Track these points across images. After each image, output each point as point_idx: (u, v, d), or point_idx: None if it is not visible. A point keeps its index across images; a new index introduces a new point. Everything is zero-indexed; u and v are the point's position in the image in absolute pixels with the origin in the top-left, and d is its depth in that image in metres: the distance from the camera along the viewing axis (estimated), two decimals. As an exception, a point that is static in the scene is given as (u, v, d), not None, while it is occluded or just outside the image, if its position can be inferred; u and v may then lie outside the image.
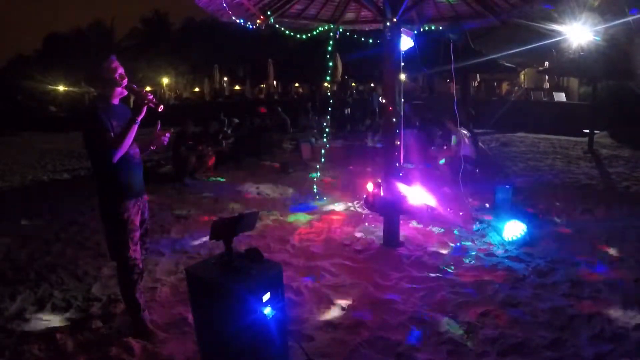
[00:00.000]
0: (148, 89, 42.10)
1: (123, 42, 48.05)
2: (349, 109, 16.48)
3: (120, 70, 3.56)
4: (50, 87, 40.60)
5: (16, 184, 10.97)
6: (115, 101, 3.63)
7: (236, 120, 14.94)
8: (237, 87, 45.50)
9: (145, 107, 3.46)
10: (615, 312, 4.08)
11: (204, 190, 9.08)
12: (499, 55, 16.97)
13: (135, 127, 3.46)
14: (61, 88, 41.30)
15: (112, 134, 3.42)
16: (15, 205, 8.66)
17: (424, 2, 6.74)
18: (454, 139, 8.85)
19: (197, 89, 45.83)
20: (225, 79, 42.01)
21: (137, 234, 3.72)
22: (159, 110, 3.52)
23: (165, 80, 45.42)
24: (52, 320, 4.21)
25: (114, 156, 3.40)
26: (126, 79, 3.58)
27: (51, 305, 4.47)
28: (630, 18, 13.79)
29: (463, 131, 8.94)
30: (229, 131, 13.61)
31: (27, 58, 48.88)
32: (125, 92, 3.61)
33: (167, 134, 3.85)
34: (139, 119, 3.46)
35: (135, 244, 3.68)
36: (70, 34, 48.51)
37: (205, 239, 5.99)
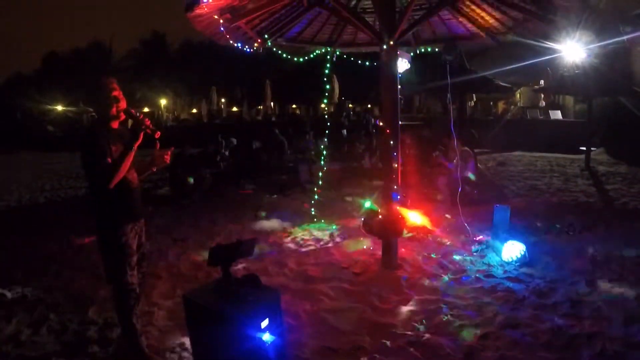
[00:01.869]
0: (146, 110, 42.39)
1: (121, 63, 48.46)
2: (345, 130, 16.51)
3: (116, 92, 3.54)
4: (48, 106, 40.74)
5: (13, 203, 10.96)
6: (115, 125, 3.62)
7: (234, 141, 14.96)
8: (234, 109, 45.70)
9: (142, 133, 3.45)
10: (616, 331, 4.06)
11: (201, 212, 9.06)
12: (493, 71, 17.13)
13: (132, 154, 3.46)
14: (59, 108, 41.45)
15: (109, 159, 3.42)
16: (12, 225, 8.62)
17: (420, 24, 6.80)
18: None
19: (194, 110, 46.00)
20: (223, 100, 42.21)
21: (134, 258, 3.69)
22: (156, 136, 3.52)
23: (163, 102, 45.66)
24: (47, 343, 4.17)
25: (110, 182, 3.39)
26: (123, 102, 3.57)
27: (47, 328, 4.43)
28: (625, 37, 13.95)
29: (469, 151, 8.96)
30: (226, 153, 13.62)
31: (26, 77, 49.14)
32: (123, 116, 3.60)
33: (169, 153, 3.84)
34: (136, 145, 3.45)
35: (132, 269, 3.65)
36: (69, 53, 48.95)
37: (203, 262, 5.96)
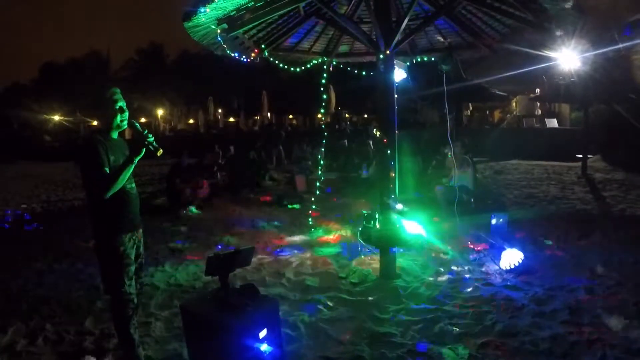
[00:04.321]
0: (143, 120, 42.38)
1: (119, 73, 48.59)
2: (346, 140, 16.49)
3: (121, 103, 3.52)
4: (45, 116, 40.68)
5: (9, 213, 10.90)
6: (114, 134, 3.60)
7: (231, 149, 14.96)
8: (231, 119, 45.74)
9: (144, 148, 3.40)
10: (616, 337, 4.05)
11: (198, 222, 9.04)
12: (489, 78, 17.21)
13: (131, 167, 3.42)
14: (56, 117, 41.40)
15: (107, 169, 3.38)
16: (8, 235, 8.58)
17: (416, 34, 6.84)
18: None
19: (191, 121, 46.03)
20: (220, 110, 42.23)
21: (133, 268, 3.64)
22: (158, 154, 3.46)
23: (159, 112, 45.68)
24: (44, 353, 4.14)
25: (106, 192, 3.35)
26: (126, 113, 3.55)
27: (43, 339, 4.39)
28: (620, 46, 14.04)
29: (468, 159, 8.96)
30: (223, 163, 13.62)
31: (23, 86, 49.13)
32: (125, 127, 3.58)
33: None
34: (136, 159, 3.41)
35: (131, 279, 3.60)
36: (67, 63, 48.96)
37: (200, 272, 5.93)
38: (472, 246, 6.77)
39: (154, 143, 3.42)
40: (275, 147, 18.19)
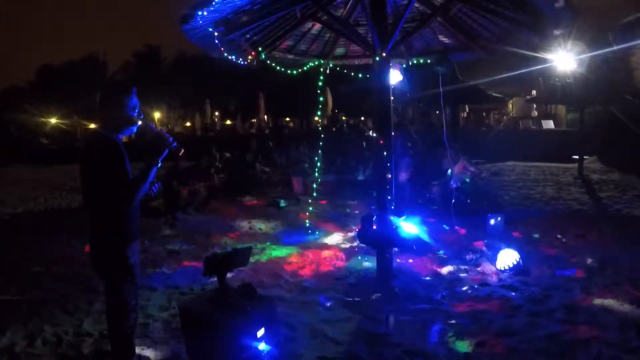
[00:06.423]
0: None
1: (115, 76, 48.49)
2: (365, 143, 16.34)
3: (137, 105, 3.32)
4: (42, 119, 40.54)
5: (7, 216, 10.89)
6: (120, 136, 3.33)
7: (227, 155, 14.95)
8: (228, 122, 45.70)
9: (166, 150, 3.22)
10: (612, 336, 4.07)
11: (195, 224, 9.04)
12: (485, 80, 17.23)
13: (154, 170, 3.20)
14: (53, 120, 41.26)
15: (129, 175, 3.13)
16: (6, 238, 8.57)
17: (412, 36, 6.87)
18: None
19: (188, 124, 46.00)
20: (216, 113, 42.22)
21: (137, 278, 3.46)
22: (180, 154, 3.28)
23: (156, 115, 45.60)
24: (42, 355, 4.14)
25: (132, 201, 3.12)
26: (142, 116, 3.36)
27: (42, 340, 4.39)
28: (616, 47, 14.09)
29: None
30: (220, 165, 13.60)
31: (20, 89, 48.94)
32: (134, 131, 3.41)
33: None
34: (160, 159, 3.20)
35: (136, 289, 3.47)
36: (63, 66, 48.82)
37: (198, 274, 5.94)
38: (468, 246, 6.79)
39: (175, 143, 3.25)
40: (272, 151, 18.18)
